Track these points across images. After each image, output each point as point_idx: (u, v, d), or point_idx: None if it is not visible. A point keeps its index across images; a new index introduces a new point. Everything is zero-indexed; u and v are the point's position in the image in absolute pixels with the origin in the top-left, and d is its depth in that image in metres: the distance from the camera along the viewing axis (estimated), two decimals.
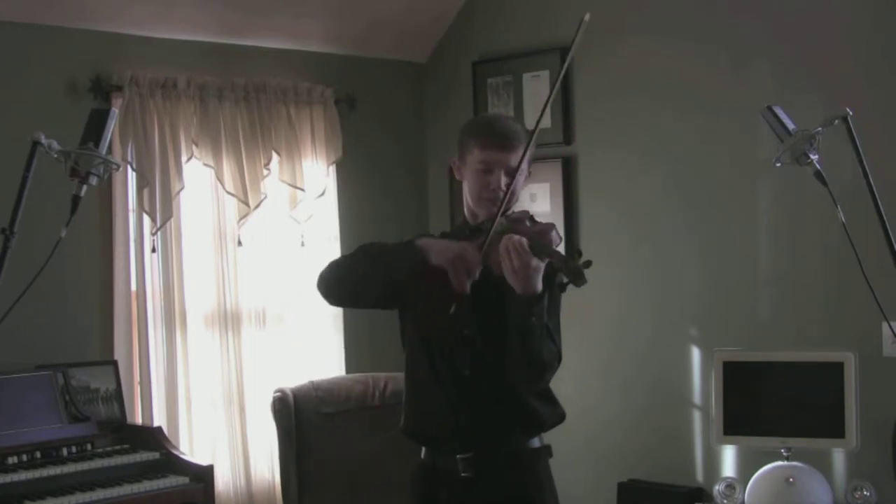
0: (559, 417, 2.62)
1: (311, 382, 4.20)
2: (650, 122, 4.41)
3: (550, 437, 2.67)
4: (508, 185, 2.46)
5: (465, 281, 2.34)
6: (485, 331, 2.49)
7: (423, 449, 2.64)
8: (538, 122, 2.48)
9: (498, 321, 2.43)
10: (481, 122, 2.65)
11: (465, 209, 2.62)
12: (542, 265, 2.28)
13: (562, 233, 2.52)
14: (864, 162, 2.51)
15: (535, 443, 2.61)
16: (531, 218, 2.46)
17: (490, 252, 2.36)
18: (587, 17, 2.36)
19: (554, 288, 2.42)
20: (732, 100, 4.16)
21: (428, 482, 2.61)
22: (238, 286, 4.37)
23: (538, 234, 2.33)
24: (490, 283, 2.38)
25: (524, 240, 2.27)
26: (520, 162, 2.47)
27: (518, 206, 2.59)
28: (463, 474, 2.52)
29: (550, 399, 2.61)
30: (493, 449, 2.54)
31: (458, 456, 2.53)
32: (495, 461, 2.54)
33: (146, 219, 4.11)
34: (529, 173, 2.60)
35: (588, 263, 2.17)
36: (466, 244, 2.38)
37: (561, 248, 2.37)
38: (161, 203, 4.09)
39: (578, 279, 2.17)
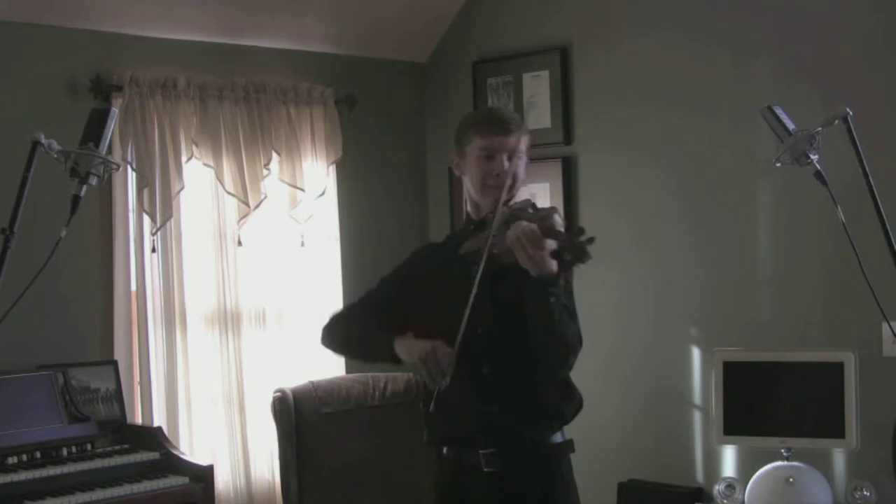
0: (578, 407, 2.64)
1: (311, 382, 4.20)
2: (650, 122, 4.41)
3: None
4: (510, 169, 2.50)
5: (439, 378, 2.37)
6: (503, 326, 2.49)
7: (446, 447, 2.64)
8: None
9: (517, 314, 2.45)
10: (478, 113, 2.73)
11: (468, 204, 2.64)
12: (554, 246, 2.30)
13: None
14: (864, 162, 2.52)
15: (558, 437, 2.62)
16: (534, 205, 2.48)
17: (498, 242, 2.37)
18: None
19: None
20: (732, 100, 4.16)
21: (452, 478, 2.62)
22: (238, 286, 4.37)
23: (542, 219, 2.34)
24: (505, 277, 2.39)
25: (535, 226, 2.28)
26: (520, 144, 2.52)
27: None
28: (486, 469, 2.53)
29: (569, 391, 2.63)
30: (517, 444, 2.55)
31: (481, 451, 2.54)
32: (519, 456, 2.55)
33: (146, 219, 4.11)
34: (528, 160, 2.62)
35: (591, 240, 2.21)
36: (437, 343, 2.39)
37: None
38: (161, 203, 4.09)
39: (583, 256, 2.21)
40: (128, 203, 4.11)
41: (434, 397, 2.39)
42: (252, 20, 4.42)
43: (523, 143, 2.55)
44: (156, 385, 4.13)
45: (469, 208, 2.65)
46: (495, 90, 4.87)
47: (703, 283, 4.31)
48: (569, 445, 2.64)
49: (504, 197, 2.47)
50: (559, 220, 2.36)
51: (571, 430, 2.66)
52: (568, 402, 2.61)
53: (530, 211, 2.44)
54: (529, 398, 2.55)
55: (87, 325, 4.05)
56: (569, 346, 2.46)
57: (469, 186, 2.61)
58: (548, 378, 2.56)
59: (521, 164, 2.55)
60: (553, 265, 2.31)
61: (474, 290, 2.35)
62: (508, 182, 2.49)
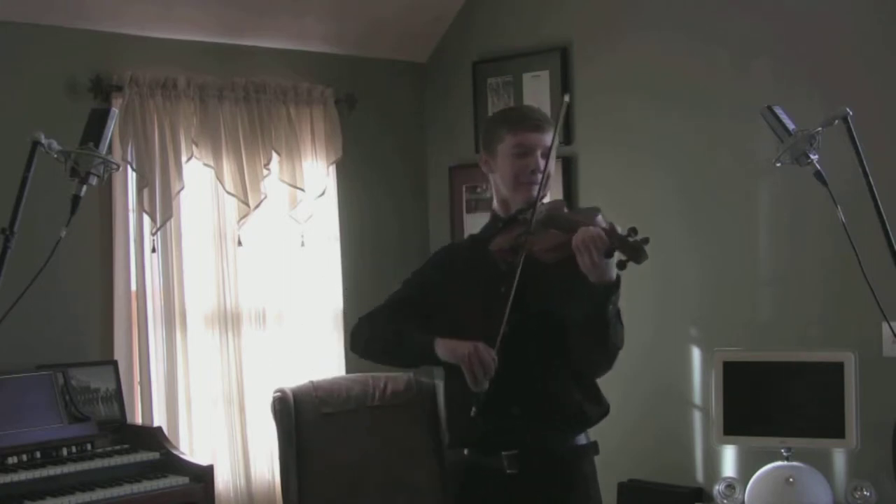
0: (604, 412, 2.63)
1: (311, 382, 4.20)
2: (650, 122, 4.41)
3: None
4: (545, 167, 2.49)
5: (482, 379, 2.34)
6: (526, 326, 2.45)
7: (467, 449, 2.60)
8: (559, 116, 2.52)
9: (541, 315, 2.44)
10: (509, 111, 2.71)
11: (496, 202, 2.62)
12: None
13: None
14: (864, 162, 2.51)
15: (582, 439, 2.60)
16: (566, 205, 2.48)
17: (536, 241, 2.35)
18: (567, 98, 2.52)
19: None
20: (732, 100, 4.16)
21: (470, 480, 2.59)
22: (238, 286, 4.37)
23: (585, 218, 2.32)
24: (531, 277, 2.36)
25: (601, 231, 2.26)
26: (552, 142, 2.50)
27: None
28: (508, 471, 2.50)
29: (596, 394, 2.61)
30: (539, 446, 2.52)
31: (503, 453, 2.50)
32: (541, 458, 2.52)
33: (146, 219, 4.11)
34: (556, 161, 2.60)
35: (646, 240, 2.21)
36: (479, 343, 2.35)
37: None
38: (161, 203, 4.09)
39: (640, 256, 2.21)
40: (128, 203, 4.11)
41: (477, 400, 2.35)
42: (252, 20, 4.42)
43: (555, 142, 2.53)
44: (156, 385, 4.13)
45: (496, 206, 2.62)
46: (495, 90, 4.86)
47: (703, 283, 4.31)
48: (592, 447, 2.62)
49: (539, 193, 2.45)
50: (602, 221, 2.34)
51: None
52: (594, 408, 2.59)
53: (565, 210, 2.41)
54: (553, 401, 2.52)
55: (87, 325, 4.05)
56: (618, 349, 2.45)
57: (500, 184, 2.58)
58: (593, 377, 2.55)
59: (553, 162, 2.53)
60: (614, 272, 2.29)
61: (514, 284, 2.32)
62: (542, 179, 2.48)
